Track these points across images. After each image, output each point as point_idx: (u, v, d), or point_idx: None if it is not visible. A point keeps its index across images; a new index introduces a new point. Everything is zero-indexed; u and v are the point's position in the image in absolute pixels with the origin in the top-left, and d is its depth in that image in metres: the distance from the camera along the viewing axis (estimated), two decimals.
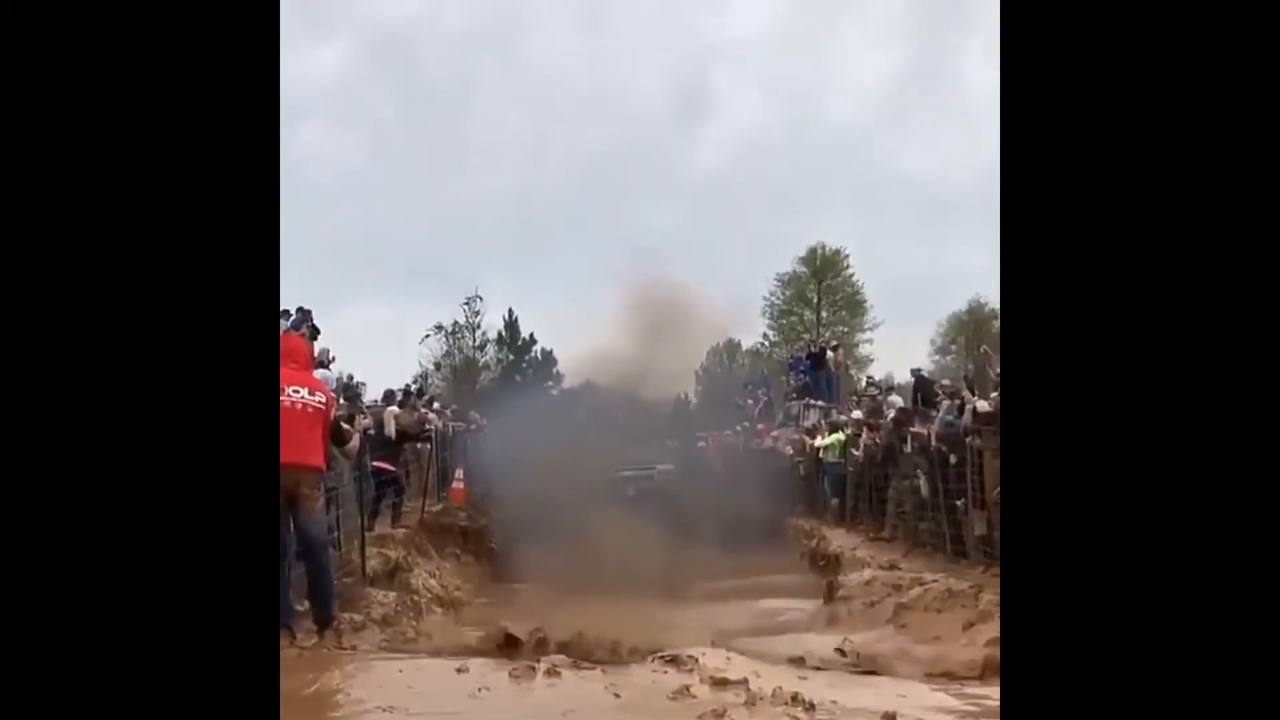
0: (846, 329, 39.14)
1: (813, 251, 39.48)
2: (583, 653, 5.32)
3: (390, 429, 12.33)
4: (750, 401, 23.94)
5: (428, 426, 14.39)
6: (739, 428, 21.98)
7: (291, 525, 5.93)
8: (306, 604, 6.21)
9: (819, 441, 16.36)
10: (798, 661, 6.02)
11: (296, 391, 5.94)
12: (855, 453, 14.24)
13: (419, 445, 14.00)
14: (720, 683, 4.50)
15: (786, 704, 4.25)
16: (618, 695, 4.42)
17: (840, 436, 15.59)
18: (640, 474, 18.93)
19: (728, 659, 4.96)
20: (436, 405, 20.24)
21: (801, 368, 23.11)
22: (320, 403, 6.04)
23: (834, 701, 4.36)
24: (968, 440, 10.00)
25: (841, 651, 6.82)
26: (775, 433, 20.23)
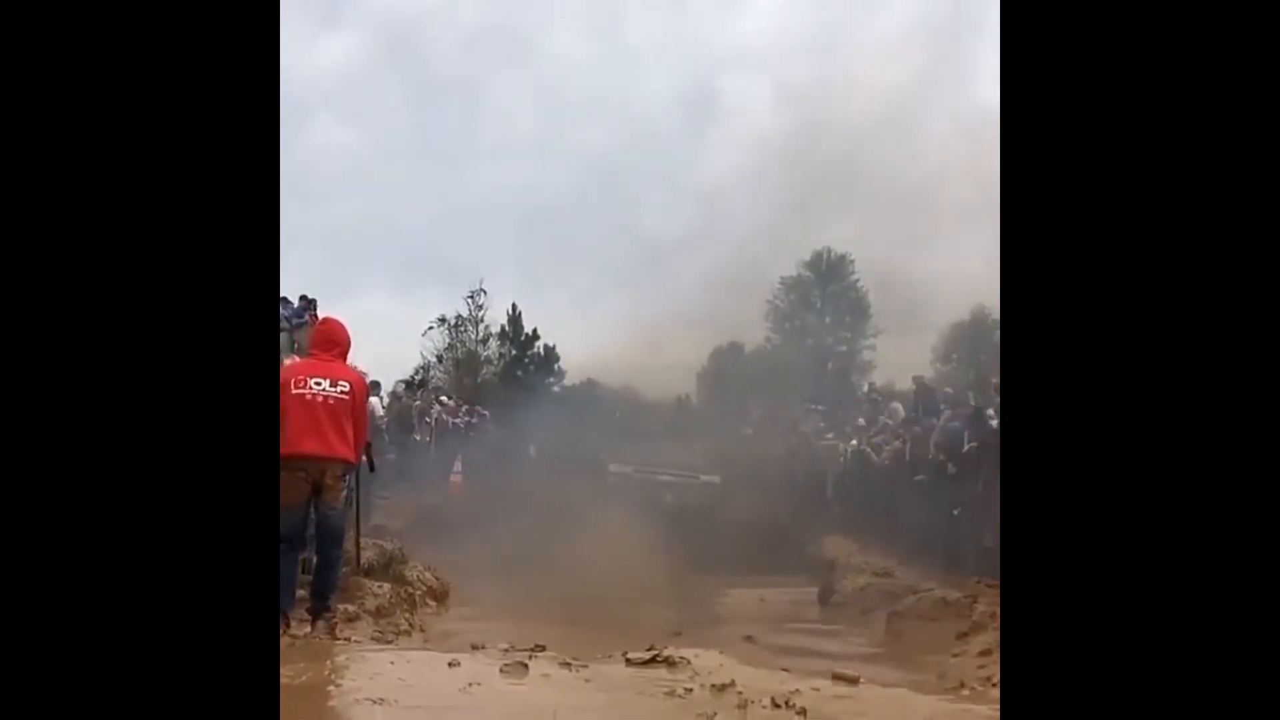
0: (849, 334, 39.11)
1: (818, 256, 39.45)
2: (576, 651, 5.30)
3: None
4: (750, 404, 23.92)
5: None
6: (739, 430, 21.89)
7: (313, 512, 5.99)
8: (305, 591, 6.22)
9: (833, 441, 16.18)
10: (791, 666, 6.01)
11: (318, 384, 5.93)
12: (874, 457, 14.20)
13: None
14: (713, 685, 4.49)
15: (780, 708, 4.25)
16: (609, 694, 4.41)
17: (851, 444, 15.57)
18: (680, 480, 17.59)
19: (721, 662, 4.94)
20: (444, 398, 20.21)
21: None
22: (344, 393, 5.98)
23: (827, 708, 4.36)
24: (965, 450, 10.01)
25: (834, 658, 6.81)
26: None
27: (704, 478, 17.98)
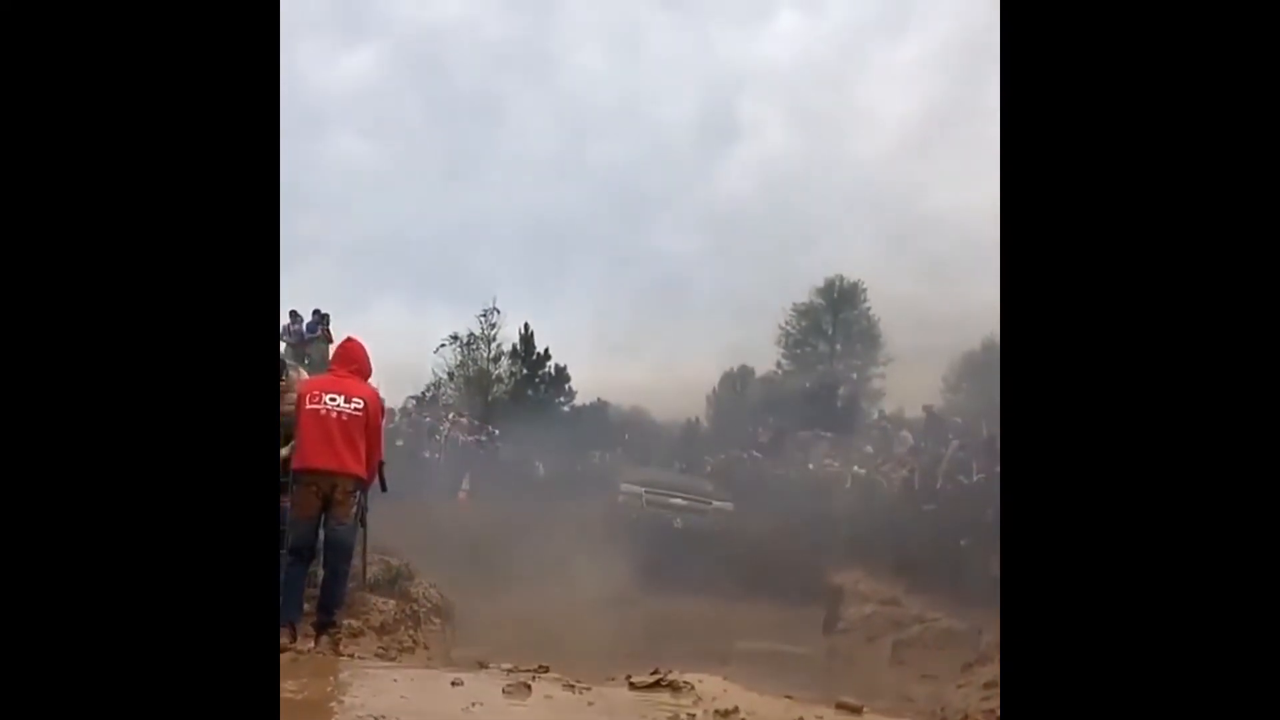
0: (860, 362, 39.00)
1: (830, 283, 39.40)
2: (579, 672, 5.29)
3: None
4: (759, 429, 23.85)
5: None
6: (748, 455, 21.82)
7: (322, 526, 5.98)
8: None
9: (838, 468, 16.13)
10: (795, 693, 5.98)
11: (333, 399, 5.95)
12: (882, 485, 14.16)
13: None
14: (717, 710, 4.47)
15: None
16: (612, 717, 4.40)
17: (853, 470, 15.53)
18: (693, 505, 17.13)
19: (725, 687, 4.92)
20: (454, 414, 20.23)
21: None
22: (358, 409, 5.99)
23: None
24: (974, 480, 9.98)
25: (838, 690, 6.77)
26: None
27: (717, 503, 17.50)
